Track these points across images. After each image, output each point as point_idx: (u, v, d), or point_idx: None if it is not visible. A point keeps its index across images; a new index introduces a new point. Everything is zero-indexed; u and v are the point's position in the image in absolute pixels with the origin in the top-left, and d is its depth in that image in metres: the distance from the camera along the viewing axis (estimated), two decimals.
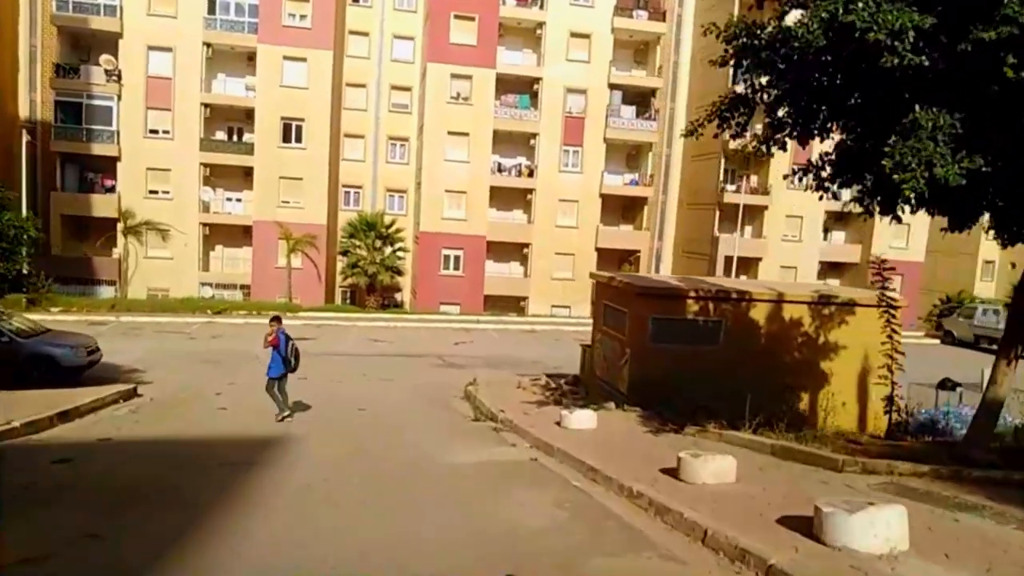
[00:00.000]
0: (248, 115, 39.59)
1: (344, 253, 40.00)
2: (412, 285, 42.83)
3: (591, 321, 19.54)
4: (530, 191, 41.92)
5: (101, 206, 38.60)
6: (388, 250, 40.25)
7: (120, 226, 38.75)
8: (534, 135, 41.48)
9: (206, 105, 39.53)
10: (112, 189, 39.45)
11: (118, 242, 39.13)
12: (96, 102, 38.90)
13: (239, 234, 40.53)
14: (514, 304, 41.70)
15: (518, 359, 23.46)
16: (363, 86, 43.05)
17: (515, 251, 42.57)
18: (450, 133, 39.77)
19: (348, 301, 41.99)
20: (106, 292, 38.11)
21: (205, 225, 40.12)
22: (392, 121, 43.31)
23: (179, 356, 21.57)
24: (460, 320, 33.88)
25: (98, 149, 38.75)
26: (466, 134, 39.88)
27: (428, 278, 40.35)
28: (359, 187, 43.63)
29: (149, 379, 17.90)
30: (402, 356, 24.29)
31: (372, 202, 42.92)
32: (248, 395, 15.46)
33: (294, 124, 39.29)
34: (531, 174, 41.79)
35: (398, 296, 44.43)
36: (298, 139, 39.40)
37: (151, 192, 39.52)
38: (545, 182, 41.64)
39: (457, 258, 40.64)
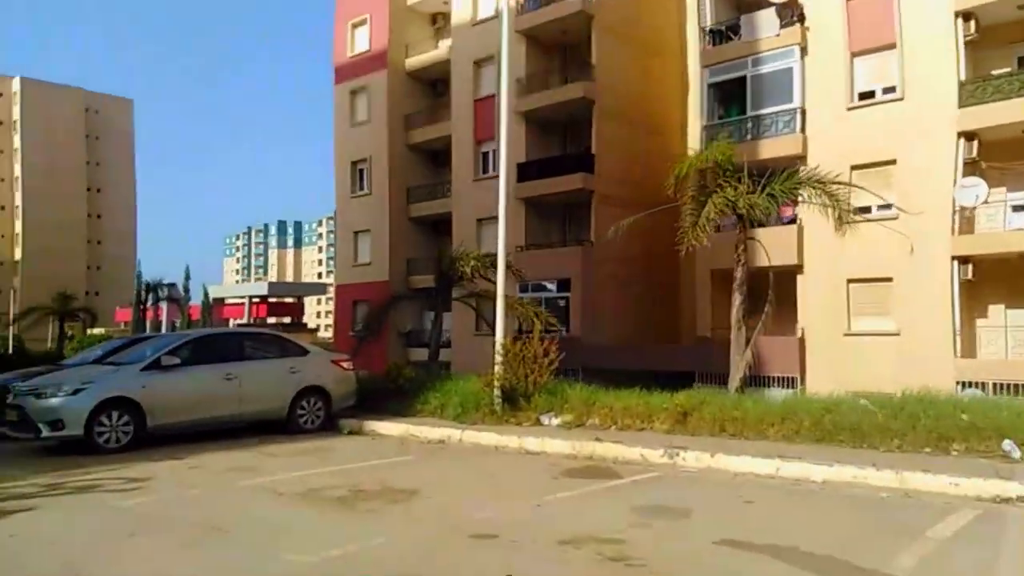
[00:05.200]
0: None
1: None
2: None
3: None
4: None
5: (772, 250, 21.53)
6: None
7: (801, 279, 21.27)
8: None
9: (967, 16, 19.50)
10: (793, 219, 22.31)
11: (800, 309, 21.53)
12: (764, 70, 23.00)
13: None
14: None
15: None
16: None
17: None
18: None
19: None
20: (778, 393, 20.58)
21: (964, 261, 19.36)
22: None
23: None
24: None
25: (770, 149, 22.35)
26: None
27: None
28: None
29: None
30: None
31: None
32: None
33: None
34: None
35: None
36: None
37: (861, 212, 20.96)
38: None
39: None
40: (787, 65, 22.54)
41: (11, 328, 48.68)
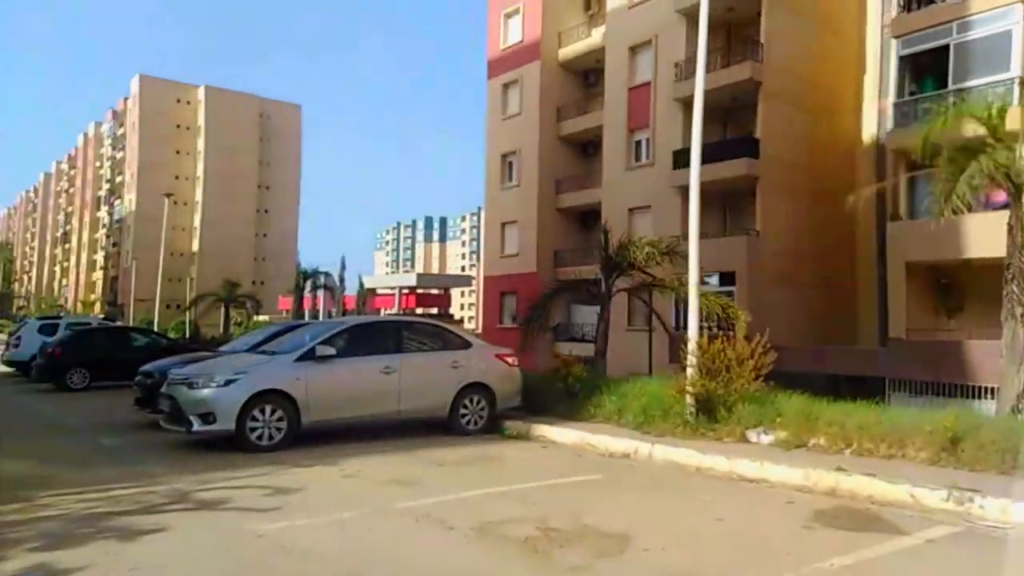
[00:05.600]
0: None
1: None
2: None
3: None
4: None
5: (982, 240, 18.48)
6: None
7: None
8: None
9: None
10: (1005, 204, 19.17)
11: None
12: (973, 35, 20.04)
13: None
14: None
15: None
16: None
17: None
18: None
19: None
20: (989, 407, 17.65)
21: None
22: None
23: None
24: None
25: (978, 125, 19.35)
26: None
27: None
28: None
29: None
30: None
31: None
32: None
33: None
34: None
35: None
36: None
37: None
38: None
39: None
40: (1006, 27, 19.52)
41: (187, 314, 51.80)
